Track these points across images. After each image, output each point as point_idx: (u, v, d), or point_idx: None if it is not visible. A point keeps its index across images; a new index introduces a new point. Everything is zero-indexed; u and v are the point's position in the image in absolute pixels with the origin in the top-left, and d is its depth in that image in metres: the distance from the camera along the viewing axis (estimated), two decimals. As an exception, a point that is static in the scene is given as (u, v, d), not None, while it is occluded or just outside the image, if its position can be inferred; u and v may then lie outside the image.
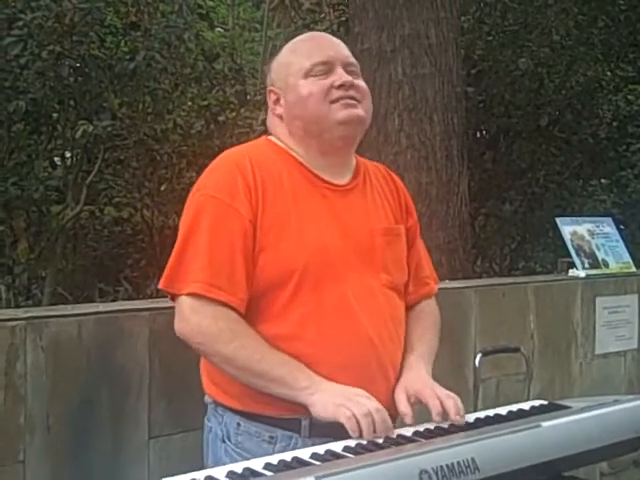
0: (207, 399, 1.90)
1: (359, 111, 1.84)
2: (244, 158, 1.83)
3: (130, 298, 4.49)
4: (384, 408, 1.66)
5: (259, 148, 1.92)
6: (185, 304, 1.75)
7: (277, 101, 1.91)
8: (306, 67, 1.85)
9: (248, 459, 1.52)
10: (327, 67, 1.84)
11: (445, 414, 1.72)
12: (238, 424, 1.80)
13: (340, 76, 1.83)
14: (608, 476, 3.58)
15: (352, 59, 1.90)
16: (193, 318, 1.74)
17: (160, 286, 1.81)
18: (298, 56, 1.89)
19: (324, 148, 1.86)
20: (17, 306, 4.12)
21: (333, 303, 1.77)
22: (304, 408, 1.71)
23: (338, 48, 1.91)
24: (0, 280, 4.30)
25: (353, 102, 1.83)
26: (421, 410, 1.78)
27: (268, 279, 1.77)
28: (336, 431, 1.63)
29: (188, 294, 1.73)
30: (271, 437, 1.77)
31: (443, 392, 1.77)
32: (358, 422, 1.60)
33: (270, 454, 1.57)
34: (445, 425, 1.72)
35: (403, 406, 1.77)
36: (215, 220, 1.76)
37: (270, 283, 1.77)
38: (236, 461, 1.67)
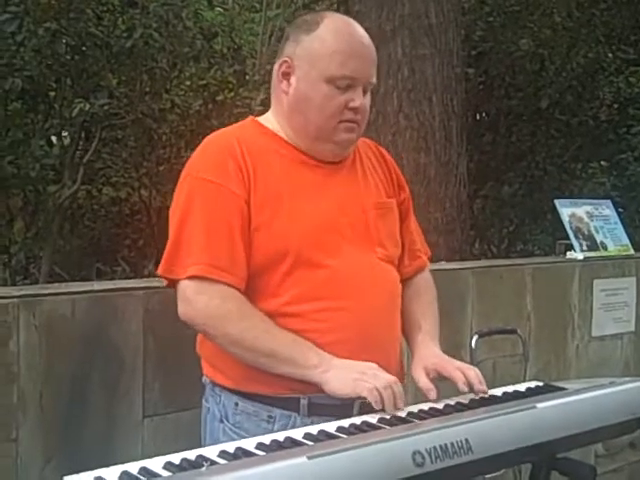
0: (205, 379, 1.89)
1: (353, 136, 1.86)
2: (232, 139, 1.82)
3: (128, 278, 4.47)
4: None
5: (246, 129, 1.90)
6: (189, 287, 1.73)
7: (287, 75, 1.85)
8: (333, 75, 1.79)
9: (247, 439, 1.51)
10: (351, 82, 1.80)
11: (468, 384, 1.75)
12: (236, 404, 1.80)
13: (357, 99, 1.81)
14: (603, 458, 3.58)
15: (374, 79, 1.86)
16: (199, 300, 1.72)
17: (159, 272, 1.79)
18: (330, 52, 1.79)
19: (312, 147, 1.86)
20: (14, 285, 4.10)
21: (329, 279, 1.77)
22: (303, 387, 1.71)
23: (370, 66, 1.84)
24: (-2, 260, 4.29)
25: (354, 126, 1.84)
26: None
27: (263, 258, 1.76)
28: (335, 410, 1.64)
29: (190, 277, 1.72)
30: (270, 416, 1.77)
31: (462, 364, 1.81)
32: (380, 394, 1.61)
33: (269, 433, 1.56)
34: (439, 405, 1.72)
35: (424, 382, 1.78)
36: (209, 202, 1.75)
37: (265, 262, 1.76)
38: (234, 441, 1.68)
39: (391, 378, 1.65)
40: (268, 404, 1.76)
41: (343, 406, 1.63)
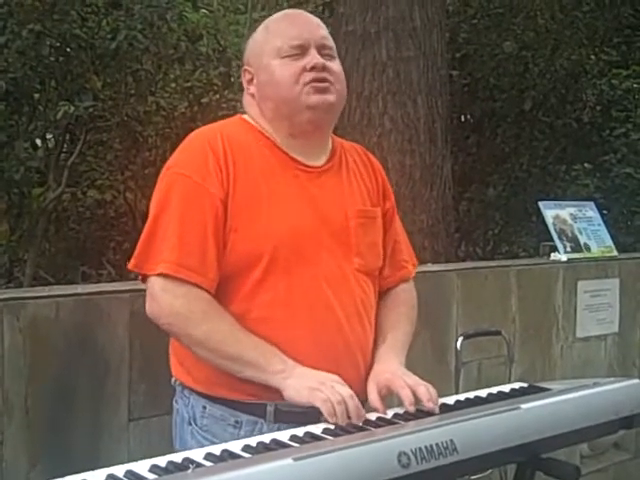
0: (174, 381, 1.88)
1: (329, 97, 1.82)
2: (216, 136, 1.81)
3: (113, 281, 4.46)
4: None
5: (232, 126, 1.89)
6: (156, 284, 1.72)
7: (251, 81, 1.89)
8: (279, 47, 1.82)
9: (214, 443, 1.52)
10: (301, 48, 1.81)
11: (418, 402, 1.68)
12: (204, 407, 1.79)
13: (312, 58, 1.80)
14: (588, 458, 3.61)
15: (327, 40, 1.87)
16: (164, 298, 1.71)
17: (130, 267, 1.78)
18: (272, 35, 1.86)
19: (293, 131, 1.84)
20: (-3, 288, 4.08)
21: (303, 286, 1.75)
22: (269, 394, 1.70)
23: (313, 28, 1.87)
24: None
25: (324, 85, 1.81)
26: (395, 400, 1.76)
27: (237, 261, 1.75)
28: (301, 417, 1.62)
29: (158, 274, 1.71)
30: (236, 422, 1.76)
31: (414, 380, 1.73)
32: (333, 407, 1.59)
33: (236, 438, 1.58)
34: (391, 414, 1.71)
35: (373, 399, 1.74)
36: (185, 199, 1.74)
37: (239, 265, 1.75)
38: (202, 444, 1.69)
39: (347, 392, 1.62)
40: (235, 409, 1.75)
41: (308, 413, 1.61)
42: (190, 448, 1.60)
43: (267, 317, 1.73)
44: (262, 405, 1.73)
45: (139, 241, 1.77)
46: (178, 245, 1.71)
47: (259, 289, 1.74)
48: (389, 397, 1.77)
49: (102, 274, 5.02)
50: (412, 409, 1.66)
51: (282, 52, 1.81)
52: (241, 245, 1.74)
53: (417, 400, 1.68)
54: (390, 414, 1.66)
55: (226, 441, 1.50)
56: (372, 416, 1.65)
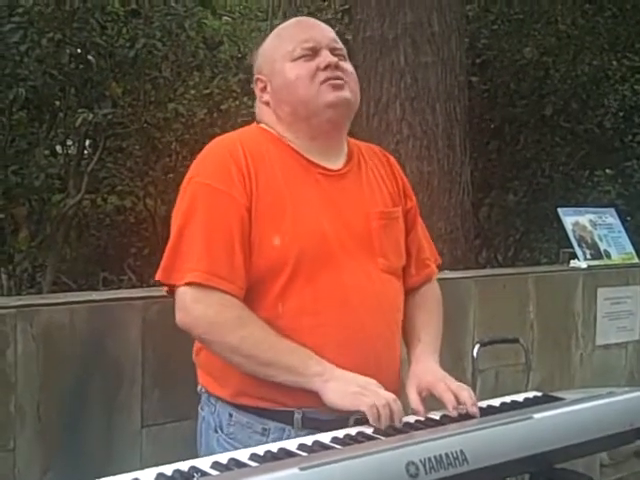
0: (200, 388, 1.88)
1: (346, 93, 1.84)
2: (236, 144, 1.81)
3: (134, 287, 4.48)
4: None
5: (251, 134, 1.90)
6: (186, 294, 1.72)
7: (264, 89, 1.90)
8: (291, 51, 1.84)
9: None
10: (312, 50, 1.84)
11: (459, 405, 1.71)
12: (230, 415, 1.79)
13: (325, 57, 1.83)
14: (608, 467, 3.56)
15: (338, 43, 1.90)
16: (196, 308, 1.71)
17: (157, 278, 1.78)
18: (283, 41, 1.88)
19: (313, 132, 1.84)
20: (18, 294, 4.11)
21: (329, 292, 1.75)
22: (297, 402, 1.69)
23: (324, 31, 1.90)
24: (2, 269, 4.29)
25: (340, 83, 1.83)
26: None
27: (263, 267, 1.74)
28: (328, 425, 1.61)
29: (188, 284, 1.70)
30: (264, 429, 1.75)
31: (455, 384, 1.76)
32: (378, 411, 1.59)
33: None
34: (436, 416, 1.71)
35: (414, 402, 1.76)
36: (210, 207, 1.74)
37: (265, 271, 1.75)
38: (228, 452, 1.67)
39: (390, 396, 1.63)
40: (262, 416, 1.75)
41: (337, 421, 1.61)
42: None
43: (294, 326, 1.73)
44: (290, 412, 1.73)
45: (165, 252, 1.77)
46: (206, 253, 1.71)
47: (284, 297, 1.74)
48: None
49: (123, 280, 5.04)
50: (455, 413, 1.69)
51: (295, 54, 1.84)
52: (266, 252, 1.74)
53: (459, 404, 1.70)
54: (407, 419, 1.65)
55: None
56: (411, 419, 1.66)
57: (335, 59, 1.84)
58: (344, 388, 1.65)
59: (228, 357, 1.73)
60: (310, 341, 1.72)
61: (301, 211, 1.78)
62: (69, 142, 4.47)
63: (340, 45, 1.91)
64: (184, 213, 1.77)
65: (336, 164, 1.89)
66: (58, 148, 4.45)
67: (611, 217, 3.81)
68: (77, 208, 4.48)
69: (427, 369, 1.83)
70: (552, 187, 5.80)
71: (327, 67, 1.82)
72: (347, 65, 1.88)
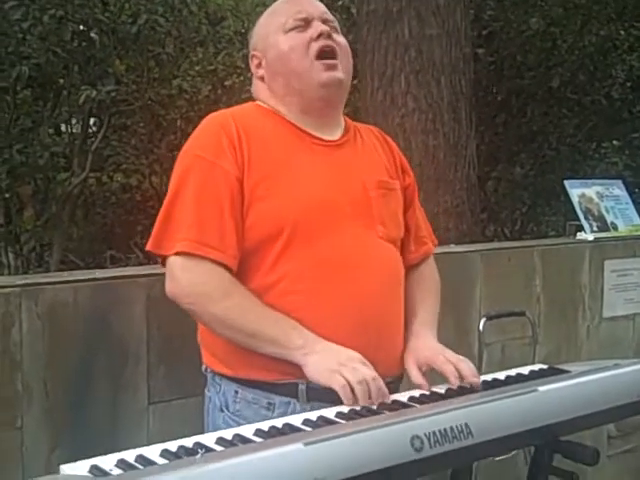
0: (205, 369, 1.89)
1: (339, 74, 1.85)
2: (228, 119, 1.82)
3: (141, 264, 4.48)
4: (379, 375, 1.63)
5: (245, 110, 1.92)
6: (175, 264, 1.72)
7: (259, 65, 1.92)
8: (284, 23, 1.86)
9: None
10: (305, 21, 1.85)
11: (461, 377, 1.72)
12: (236, 392, 1.79)
13: (317, 27, 1.84)
14: (616, 439, 3.56)
15: (329, 16, 1.92)
16: (184, 277, 1.72)
17: (148, 248, 1.79)
18: (276, 15, 1.90)
19: (305, 107, 1.85)
20: (25, 273, 4.12)
21: (327, 255, 1.75)
22: (301, 371, 1.69)
23: (315, 4, 1.92)
24: (9, 248, 4.30)
25: (334, 62, 1.84)
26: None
27: (258, 235, 1.75)
28: (333, 395, 1.61)
29: (177, 253, 1.71)
30: (269, 403, 1.75)
31: (454, 356, 1.77)
32: (352, 390, 1.58)
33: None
34: (441, 390, 1.71)
35: (415, 377, 1.76)
36: (201, 178, 1.75)
37: (261, 239, 1.74)
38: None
39: (369, 373, 1.61)
40: (267, 391, 1.75)
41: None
42: None
43: (291, 290, 1.72)
44: (294, 385, 1.72)
45: (155, 223, 1.77)
46: (196, 223, 1.71)
47: (281, 261, 1.73)
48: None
49: (130, 258, 5.05)
50: (457, 384, 1.70)
51: (287, 26, 1.85)
52: (261, 219, 1.74)
53: (460, 376, 1.72)
54: (411, 394, 1.66)
55: None
56: (398, 397, 1.65)
57: (327, 28, 1.86)
58: (322, 363, 1.64)
59: (214, 327, 1.73)
60: (307, 307, 1.71)
61: (297, 179, 1.78)
62: (73, 120, 4.46)
63: (332, 18, 1.92)
64: (175, 185, 1.78)
65: (332, 136, 1.90)
66: (62, 127, 4.45)
67: (618, 189, 3.77)
68: (82, 186, 4.48)
69: (425, 344, 1.83)
70: (559, 159, 5.76)
71: (319, 36, 1.83)
72: (340, 38, 1.90)
